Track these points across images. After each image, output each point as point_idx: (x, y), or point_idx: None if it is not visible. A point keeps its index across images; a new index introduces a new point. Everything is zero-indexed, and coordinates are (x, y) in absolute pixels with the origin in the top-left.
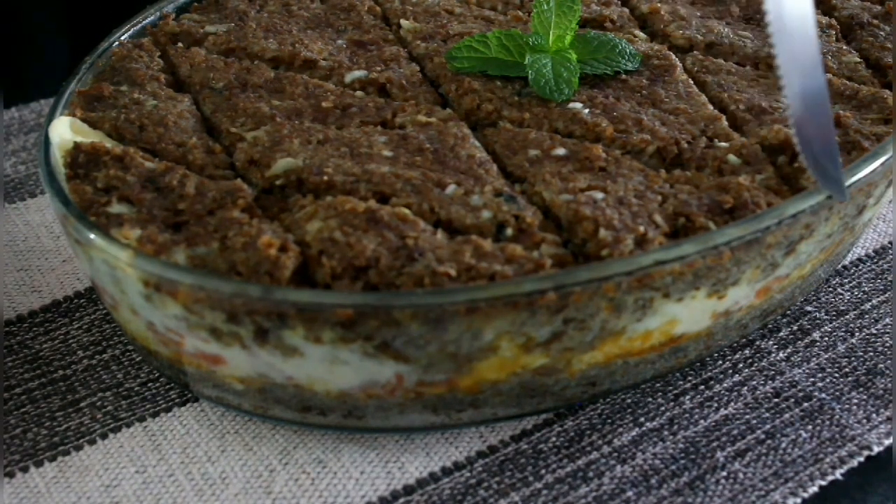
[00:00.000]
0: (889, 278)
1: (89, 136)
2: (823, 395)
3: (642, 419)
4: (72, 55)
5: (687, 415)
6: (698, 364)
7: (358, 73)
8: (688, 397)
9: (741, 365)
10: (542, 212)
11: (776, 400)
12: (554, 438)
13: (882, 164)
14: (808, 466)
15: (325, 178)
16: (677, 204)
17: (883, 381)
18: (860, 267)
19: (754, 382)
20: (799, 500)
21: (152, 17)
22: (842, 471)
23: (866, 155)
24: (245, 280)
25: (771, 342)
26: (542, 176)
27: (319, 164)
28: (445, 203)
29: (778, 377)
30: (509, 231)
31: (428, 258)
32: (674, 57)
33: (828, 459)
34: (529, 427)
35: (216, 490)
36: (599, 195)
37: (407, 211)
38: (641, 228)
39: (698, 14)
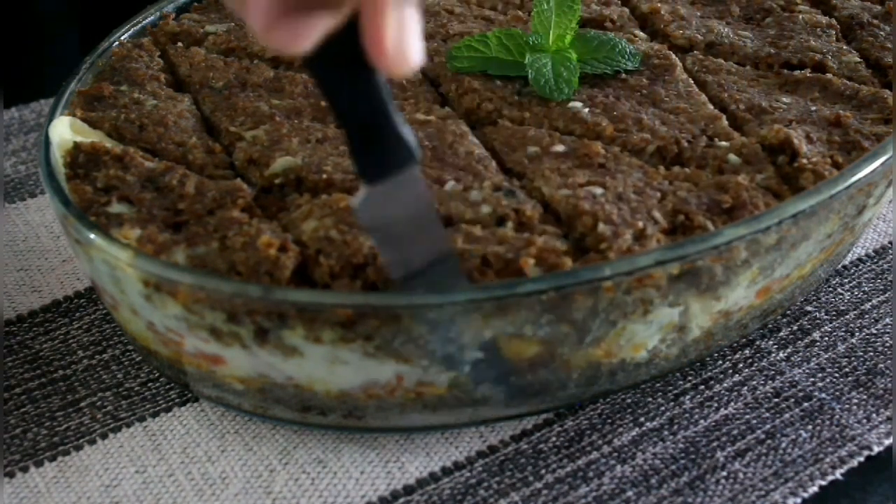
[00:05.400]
0: (889, 278)
1: (89, 136)
2: (823, 395)
3: (642, 419)
4: (73, 55)
5: (687, 415)
6: (698, 364)
7: None
8: (688, 397)
9: (741, 365)
10: (541, 207)
11: (776, 400)
12: (554, 438)
13: (882, 164)
14: (808, 466)
15: (325, 176)
16: (676, 201)
17: (883, 381)
18: (860, 267)
19: (754, 382)
20: (799, 500)
21: (152, 17)
22: (842, 471)
23: (866, 155)
24: (245, 280)
25: (771, 342)
26: (542, 172)
27: (318, 163)
28: (444, 199)
29: (778, 377)
30: (509, 225)
31: None
32: (674, 56)
33: (828, 459)
34: (529, 427)
35: (216, 490)
36: (598, 190)
37: None
38: (640, 224)
39: (698, 14)
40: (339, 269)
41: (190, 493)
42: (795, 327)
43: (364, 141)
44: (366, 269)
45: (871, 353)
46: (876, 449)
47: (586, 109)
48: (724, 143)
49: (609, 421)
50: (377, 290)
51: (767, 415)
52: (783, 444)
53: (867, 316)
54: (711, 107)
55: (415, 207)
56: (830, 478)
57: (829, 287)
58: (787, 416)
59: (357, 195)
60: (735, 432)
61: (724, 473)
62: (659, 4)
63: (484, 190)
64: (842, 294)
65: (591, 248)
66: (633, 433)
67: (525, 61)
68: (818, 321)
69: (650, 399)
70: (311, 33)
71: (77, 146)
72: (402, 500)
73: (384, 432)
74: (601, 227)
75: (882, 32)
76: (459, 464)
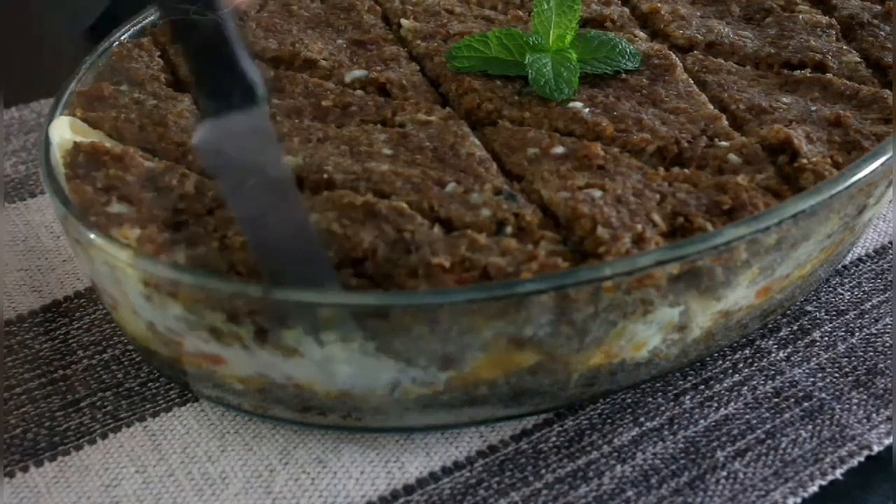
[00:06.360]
0: (889, 278)
1: (89, 136)
2: (823, 395)
3: (642, 419)
4: (73, 55)
5: (687, 414)
6: (698, 364)
7: (358, 73)
8: (688, 397)
9: (741, 365)
10: (540, 210)
11: (776, 399)
12: (554, 438)
13: (882, 164)
14: (808, 466)
15: (325, 176)
16: (676, 203)
17: (883, 380)
18: (860, 267)
19: (754, 382)
20: (799, 500)
21: (152, 17)
22: (842, 470)
23: (866, 155)
24: (245, 280)
25: (771, 342)
26: (541, 174)
27: (319, 163)
28: (445, 201)
29: (778, 377)
30: (509, 229)
31: (424, 251)
32: (674, 56)
33: (828, 459)
34: (529, 427)
35: (216, 490)
36: (597, 193)
37: (404, 205)
38: (639, 227)
39: (698, 14)
40: (339, 261)
41: (190, 492)
42: (795, 327)
43: (204, 67)
44: (364, 263)
45: (871, 353)
46: (876, 449)
47: (586, 109)
48: (724, 143)
49: (609, 421)
50: (377, 284)
51: (767, 414)
52: (783, 444)
53: (867, 316)
54: (711, 107)
55: (263, 159)
56: (830, 477)
57: (829, 287)
58: (787, 415)
59: (197, 131)
60: (735, 432)
61: (724, 473)
62: (659, 4)
63: (484, 193)
64: (842, 294)
65: (589, 252)
66: (633, 433)
67: (525, 61)
68: (818, 321)
69: (650, 399)
70: None
71: (77, 146)
72: (402, 499)
73: (384, 432)
74: (600, 230)
75: (882, 32)
76: (459, 463)
